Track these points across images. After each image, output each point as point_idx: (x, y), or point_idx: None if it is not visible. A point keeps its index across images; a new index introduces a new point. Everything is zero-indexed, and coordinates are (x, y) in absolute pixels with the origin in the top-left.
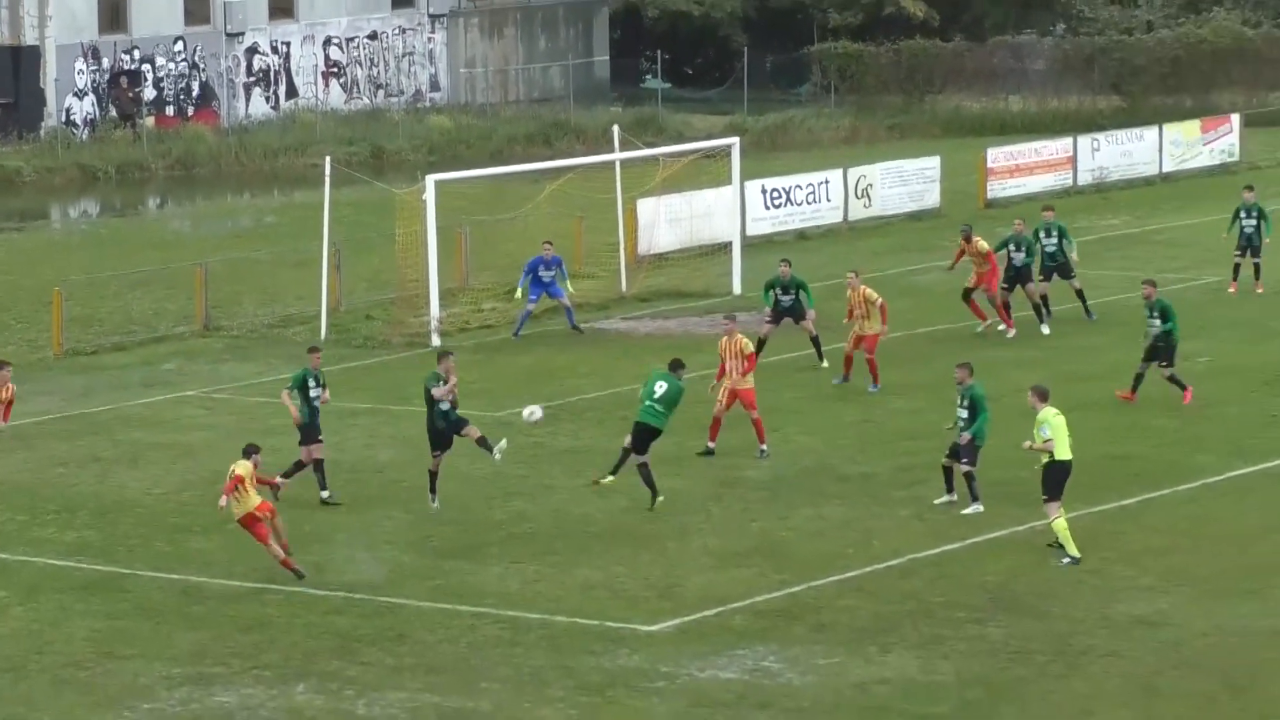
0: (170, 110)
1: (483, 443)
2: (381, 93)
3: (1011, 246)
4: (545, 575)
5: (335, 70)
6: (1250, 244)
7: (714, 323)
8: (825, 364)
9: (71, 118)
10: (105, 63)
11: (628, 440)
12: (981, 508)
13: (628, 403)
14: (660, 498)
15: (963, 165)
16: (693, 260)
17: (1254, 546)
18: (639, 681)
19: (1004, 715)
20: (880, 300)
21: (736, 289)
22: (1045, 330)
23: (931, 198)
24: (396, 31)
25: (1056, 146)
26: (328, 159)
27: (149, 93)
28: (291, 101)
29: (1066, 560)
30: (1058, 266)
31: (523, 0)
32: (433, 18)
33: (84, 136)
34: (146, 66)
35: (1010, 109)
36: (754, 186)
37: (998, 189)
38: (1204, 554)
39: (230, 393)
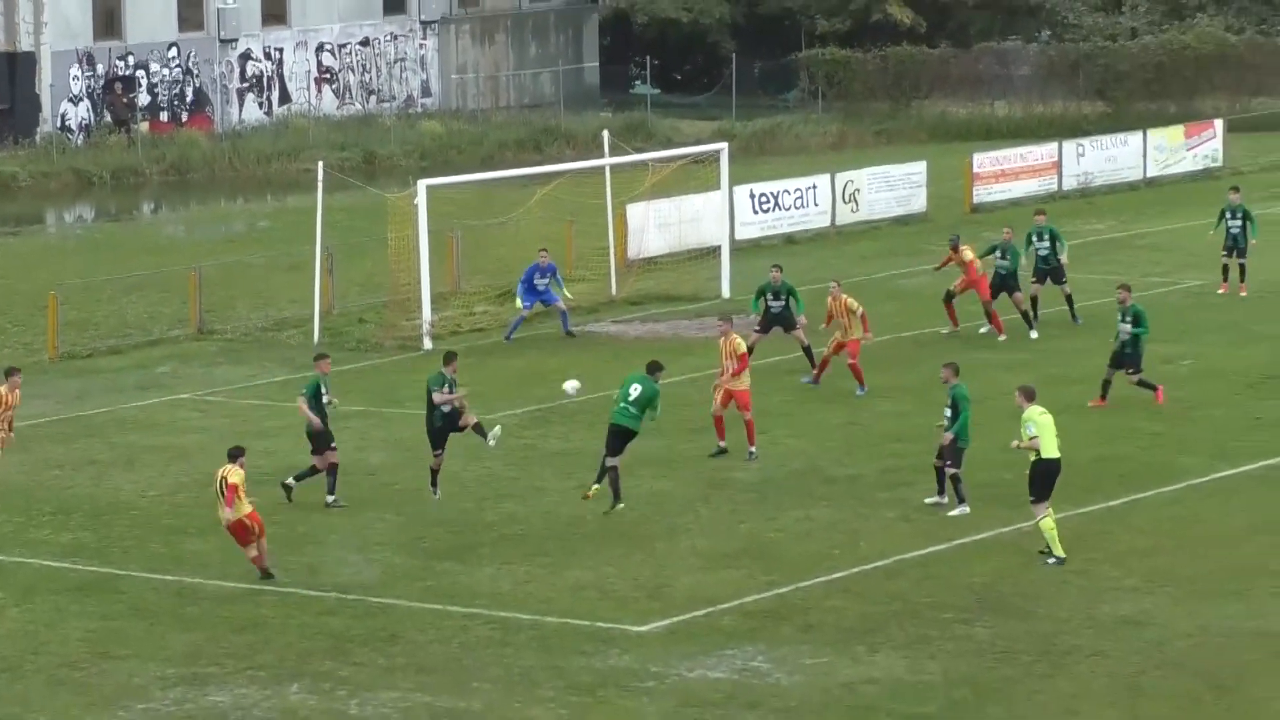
0: (164, 116)
1: (478, 429)
2: (374, 98)
3: (998, 254)
4: (536, 576)
5: (328, 76)
6: (1236, 245)
7: (703, 326)
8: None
9: (66, 123)
10: (100, 68)
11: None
12: (968, 509)
13: None
14: (620, 505)
15: (949, 170)
16: (682, 264)
17: (1238, 548)
18: (629, 681)
19: (990, 715)
20: (860, 309)
21: (725, 293)
22: (1033, 335)
23: (918, 202)
24: (388, 38)
25: (1042, 152)
26: (320, 164)
27: (143, 98)
28: (284, 107)
29: (1052, 560)
30: (1050, 270)
31: (513, 7)
32: (424, 24)
33: (79, 142)
34: (141, 72)
35: (996, 114)
36: (742, 191)
37: (983, 194)
38: (1189, 555)
39: (224, 396)
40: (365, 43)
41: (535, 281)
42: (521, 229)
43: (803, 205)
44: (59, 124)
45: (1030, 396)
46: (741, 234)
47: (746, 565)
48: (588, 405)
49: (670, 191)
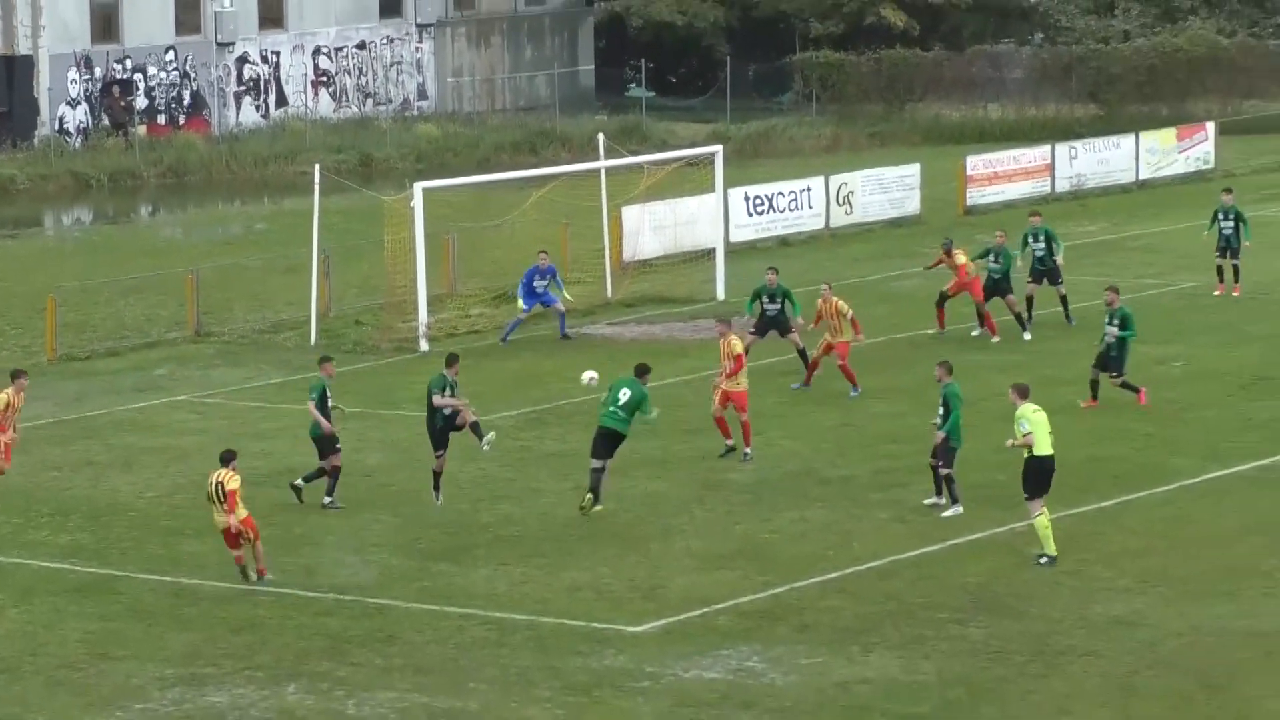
0: (162, 119)
1: (475, 428)
2: (370, 101)
3: (991, 257)
4: (532, 577)
5: (324, 79)
6: (1229, 246)
7: (698, 328)
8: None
9: (65, 126)
10: (98, 72)
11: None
12: (961, 509)
13: None
14: (599, 507)
15: (942, 173)
16: (677, 266)
17: (1230, 548)
18: (624, 681)
19: (984, 714)
20: (850, 312)
21: (720, 295)
22: (1027, 336)
23: (912, 205)
24: (385, 41)
25: (1035, 154)
26: (317, 167)
27: (141, 101)
28: (281, 110)
29: (1044, 559)
30: (1046, 271)
31: (509, 10)
32: (420, 27)
33: (77, 145)
34: (138, 76)
35: (989, 117)
36: (737, 194)
37: (977, 196)
38: (1181, 555)
39: (222, 397)
40: (362, 46)
41: (535, 283)
42: (517, 231)
43: (797, 208)
44: (57, 127)
45: (1024, 394)
46: (736, 236)
47: (741, 566)
48: (584, 407)
49: (665, 194)
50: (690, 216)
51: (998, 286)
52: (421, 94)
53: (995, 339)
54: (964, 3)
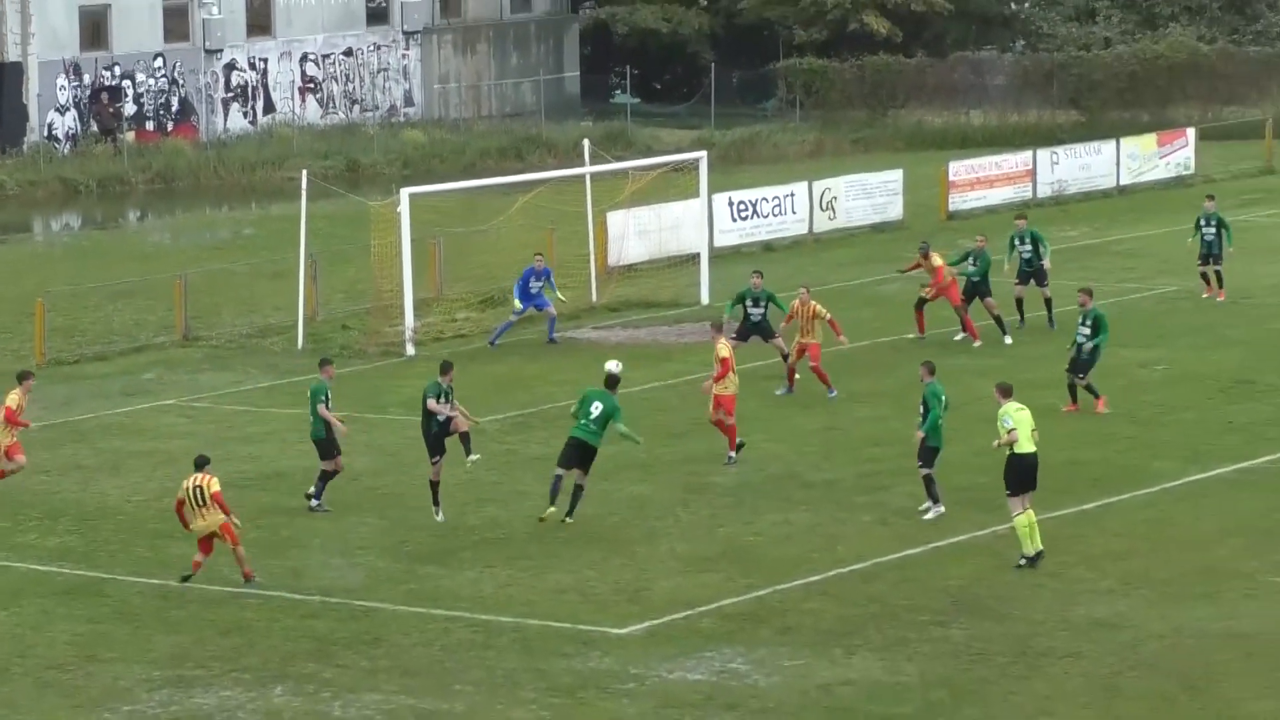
0: (150, 125)
1: (465, 440)
2: (357, 108)
3: (970, 260)
4: (518, 579)
5: (312, 86)
6: (1210, 252)
7: (682, 332)
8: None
9: (53, 132)
10: (86, 79)
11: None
12: (943, 509)
13: None
14: (552, 509)
15: (925, 178)
16: (661, 271)
17: (1211, 550)
18: (609, 683)
19: (966, 715)
20: (828, 315)
21: (704, 299)
22: (1008, 340)
23: (895, 210)
24: (371, 48)
25: (1016, 160)
26: (304, 172)
27: (129, 108)
28: (269, 116)
29: (1023, 561)
30: (1034, 272)
31: (495, 17)
32: (407, 34)
33: (66, 151)
34: (127, 82)
35: (971, 123)
36: (721, 199)
37: (959, 201)
38: (1162, 557)
39: (209, 401)
40: (349, 53)
41: (530, 285)
42: (503, 237)
43: (781, 213)
44: (46, 133)
45: (1007, 393)
46: (720, 241)
47: (725, 568)
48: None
49: (650, 199)
50: (675, 221)
51: (977, 289)
52: (408, 100)
53: (977, 343)
54: (946, 10)
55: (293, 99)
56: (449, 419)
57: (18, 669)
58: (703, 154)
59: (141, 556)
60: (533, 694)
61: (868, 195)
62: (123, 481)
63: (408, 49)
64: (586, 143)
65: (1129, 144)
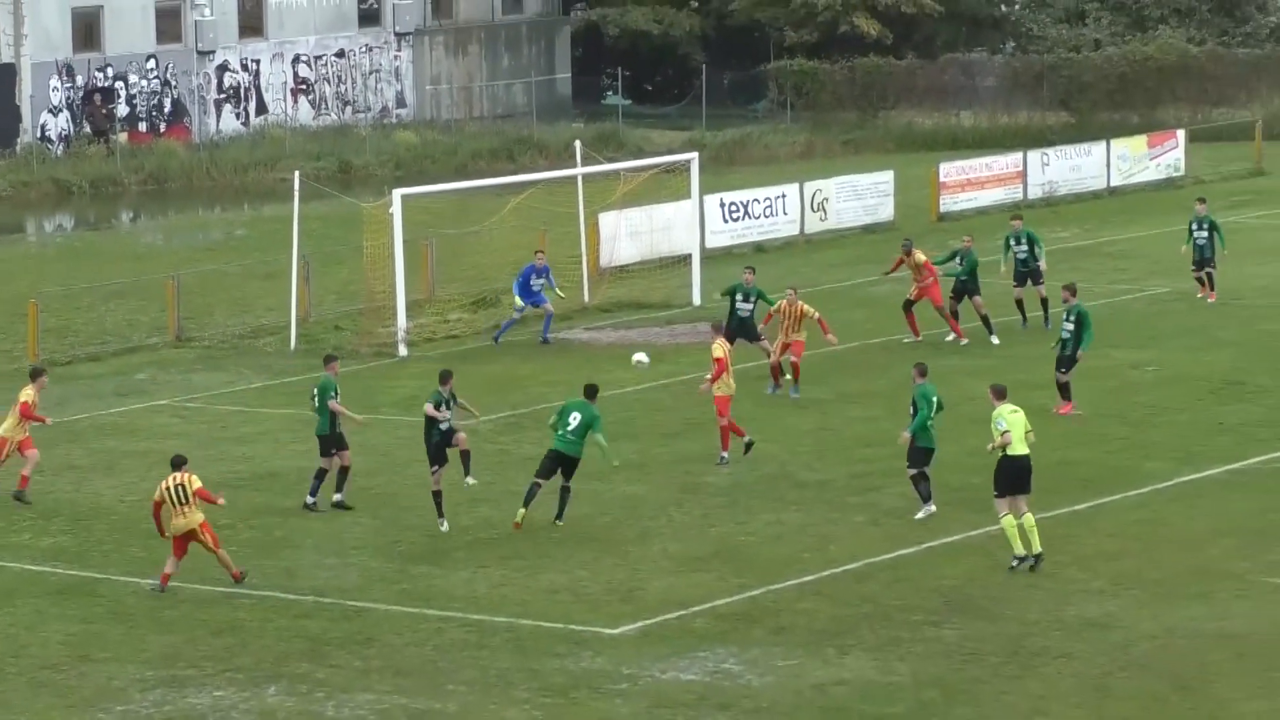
0: (143, 126)
1: (466, 457)
2: (349, 109)
3: (957, 260)
4: (511, 580)
5: (304, 87)
6: (1202, 255)
7: (674, 333)
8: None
9: (46, 134)
10: (79, 80)
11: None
12: (934, 509)
13: None
14: (559, 522)
15: (916, 180)
16: (653, 272)
17: (1202, 551)
18: (602, 683)
19: (959, 715)
20: (816, 315)
21: (696, 300)
22: (994, 340)
23: (885, 211)
24: (363, 49)
25: (1007, 161)
26: (297, 174)
27: (122, 109)
28: (261, 118)
29: (1014, 562)
30: (1029, 272)
31: (487, 19)
32: (399, 36)
33: (59, 152)
34: (120, 84)
35: (962, 125)
36: (713, 200)
37: (950, 203)
38: (1154, 558)
39: (202, 402)
40: (341, 54)
41: (531, 282)
42: (495, 238)
43: (772, 214)
44: (39, 134)
45: (1001, 395)
46: (712, 242)
47: (718, 568)
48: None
49: (642, 200)
50: (666, 223)
51: (965, 288)
52: (400, 102)
53: (964, 341)
54: (937, 12)
55: (285, 100)
56: (451, 430)
57: (11, 669)
58: (694, 155)
59: (135, 557)
60: (526, 694)
61: (858, 196)
62: (116, 482)
63: (399, 50)
64: (578, 144)
65: (1119, 145)
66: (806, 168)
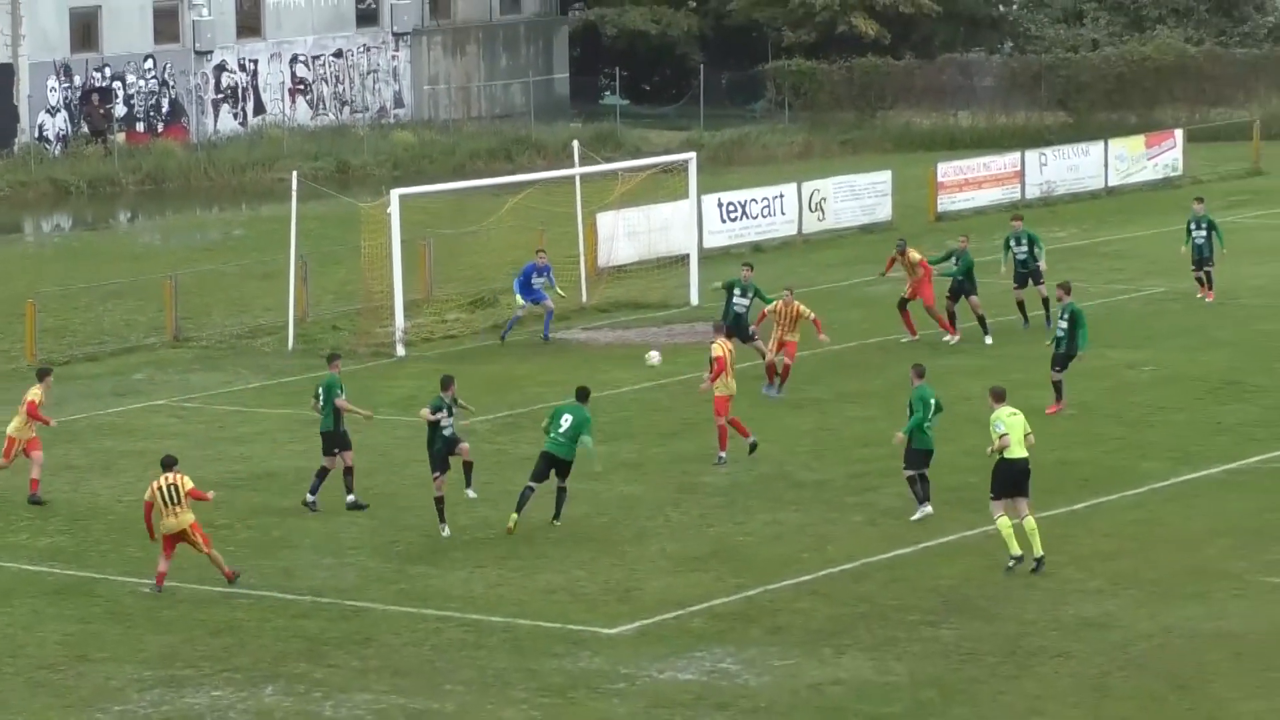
0: (141, 126)
1: (468, 469)
2: (347, 109)
3: (953, 260)
4: (508, 579)
5: (302, 87)
6: (1200, 254)
7: (672, 332)
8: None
9: (44, 134)
10: (77, 80)
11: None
12: (930, 509)
13: None
14: (556, 523)
15: (913, 180)
16: (651, 272)
17: (1199, 550)
18: (600, 683)
19: (956, 715)
20: (812, 315)
21: (694, 300)
22: (988, 340)
23: (883, 211)
24: (361, 49)
25: (1005, 161)
26: (294, 174)
27: (120, 109)
28: (259, 118)
29: (1011, 562)
30: (1030, 273)
31: (485, 19)
32: (397, 36)
33: (56, 152)
34: (117, 84)
35: (960, 125)
36: (710, 200)
37: (947, 203)
38: (1151, 558)
39: (200, 402)
40: (339, 54)
41: (533, 281)
42: (493, 238)
43: (770, 214)
44: (37, 135)
45: (1000, 397)
46: (710, 242)
47: (715, 568)
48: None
49: (639, 200)
50: (664, 223)
51: (961, 288)
52: (398, 101)
53: (956, 338)
54: (935, 12)
55: (283, 100)
56: (455, 439)
57: (9, 669)
58: (692, 155)
59: (132, 556)
60: (523, 694)
61: (856, 196)
62: (114, 482)
63: (397, 50)
64: (576, 144)
65: (1117, 145)
66: (804, 168)
